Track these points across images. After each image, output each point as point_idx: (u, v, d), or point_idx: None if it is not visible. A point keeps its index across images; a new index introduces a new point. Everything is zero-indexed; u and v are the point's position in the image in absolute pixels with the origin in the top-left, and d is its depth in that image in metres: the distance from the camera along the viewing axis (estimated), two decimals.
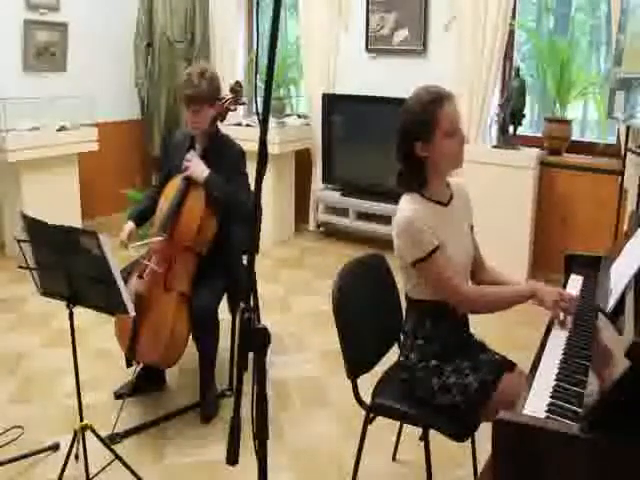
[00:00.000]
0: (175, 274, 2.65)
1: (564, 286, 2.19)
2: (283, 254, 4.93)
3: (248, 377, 1.37)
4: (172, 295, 2.62)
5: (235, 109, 2.87)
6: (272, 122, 4.72)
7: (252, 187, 1.42)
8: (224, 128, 3.02)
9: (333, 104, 5.05)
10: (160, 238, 2.64)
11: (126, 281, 2.51)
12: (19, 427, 2.59)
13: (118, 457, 2.28)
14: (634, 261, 1.70)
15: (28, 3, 4.70)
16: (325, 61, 5.07)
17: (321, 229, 5.40)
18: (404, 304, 2.22)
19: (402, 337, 2.07)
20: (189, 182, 2.68)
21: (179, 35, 5.33)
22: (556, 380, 1.51)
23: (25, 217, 2.09)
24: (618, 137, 4.04)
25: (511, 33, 4.36)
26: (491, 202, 4.04)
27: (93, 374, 3.02)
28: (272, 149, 4.72)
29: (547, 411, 1.37)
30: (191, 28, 5.37)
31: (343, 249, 4.94)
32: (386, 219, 4.81)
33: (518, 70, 4.19)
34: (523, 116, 4.20)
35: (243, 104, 2.95)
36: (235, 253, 2.88)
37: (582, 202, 4.17)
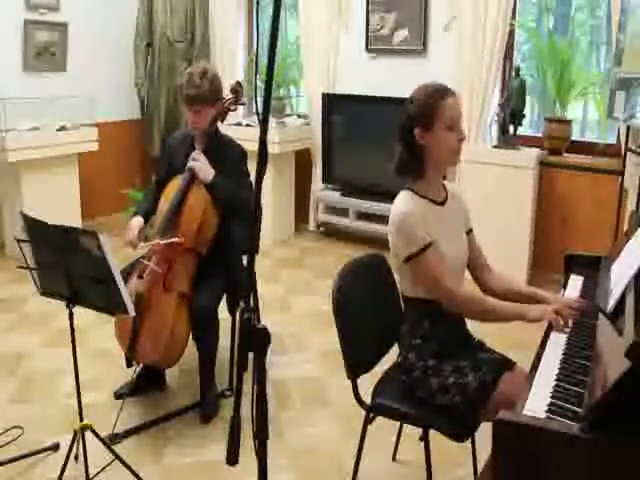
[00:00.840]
0: (175, 274, 2.65)
1: (564, 286, 2.19)
2: (283, 254, 4.93)
3: (248, 377, 1.37)
4: (172, 295, 2.62)
5: (235, 109, 2.87)
6: (272, 122, 4.72)
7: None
8: (224, 128, 3.02)
9: (333, 104, 5.05)
10: (175, 239, 2.61)
11: (126, 281, 2.51)
12: (19, 427, 2.59)
13: (118, 457, 2.28)
14: (634, 261, 1.70)
15: (28, 3, 4.70)
16: (325, 61, 5.07)
17: (321, 229, 5.40)
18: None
19: (400, 337, 2.07)
20: (192, 178, 2.67)
21: (179, 35, 5.33)
22: (556, 380, 1.51)
23: (25, 217, 2.09)
24: (618, 137, 4.04)
25: (511, 33, 4.36)
26: (491, 202, 4.04)
27: (93, 374, 3.02)
28: (272, 149, 4.72)
29: (547, 411, 1.37)
30: (191, 28, 5.37)
31: (343, 249, 4.94)
32: (386, 219, 4.71)
33: (518, 70, 4.19)
34: (523, 116, 4.20)
35: (243, 104, 2.95)
36: (235, 253, 2.88)
37: (582, 202, 4.17)
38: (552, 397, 1.42)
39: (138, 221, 2.76)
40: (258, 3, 1.44)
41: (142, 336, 2.59)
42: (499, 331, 3.27)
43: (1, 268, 4.38)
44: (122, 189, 5.15)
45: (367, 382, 2.05)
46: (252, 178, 1.52)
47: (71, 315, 2.11)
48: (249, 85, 5.05)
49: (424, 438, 1.96)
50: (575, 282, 2.19)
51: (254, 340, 1.35)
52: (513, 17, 4.29)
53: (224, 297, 2.85)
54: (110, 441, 2.43)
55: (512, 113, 4.14)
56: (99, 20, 5.19)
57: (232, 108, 2.82)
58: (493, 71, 4.30)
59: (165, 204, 2.71)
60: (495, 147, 4.24)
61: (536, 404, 1.39)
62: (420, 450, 2.01)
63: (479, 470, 2.24)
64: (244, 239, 2.80)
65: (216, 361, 2.77)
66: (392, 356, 2.17)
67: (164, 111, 5.39)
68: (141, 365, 2.76)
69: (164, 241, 2.62)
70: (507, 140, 4.20)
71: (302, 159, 5.31)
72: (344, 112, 5.01)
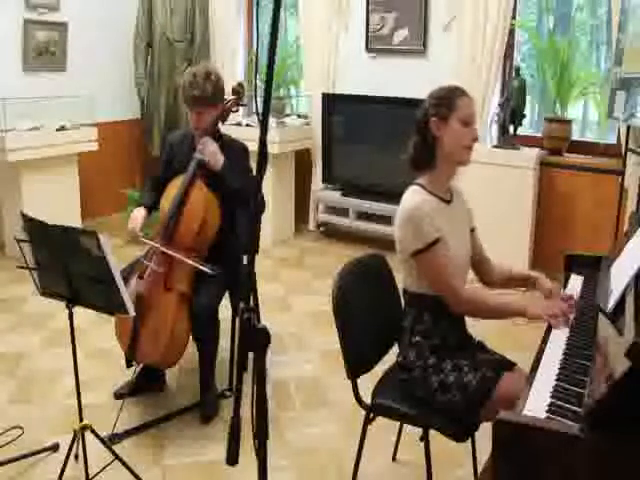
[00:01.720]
0: (175, 274, 2.65)
1: (564, 286, 2.19)
2: (283, 254, 4.93)
3: (248, 377, 1.37)
4: (172, 295, 2.62)
5: (237, 110, 2.87)
6: (272, 122, 4.72)
7: None
8: (224, 128, 3.02)
9: (333, 104, 5.04)
10: (176, 255, 2.60)
11: (126, 281, 2.51)
12: (19, 427, 2.59)
13: (118, 457, 2.27)
14: (634, 261, 1.70)
15: (28, 3, 4.70)
16: (325, 61, 5.07)
17: (321, 229, 5.40)
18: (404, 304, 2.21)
19: (401, 334, 2.07)
20: (200, 167, 2.67)
21: (179, 35, 5.32)
22: (556, 380, 1.51)
23: (25, 217, 2.09)
24: (618, 137, 4.04)
25: (511, 33, 4.36)
26: (491, 202, 4.03)
27: (93, 374, 3.02)
28: (272, 149, 4.72)
29: (547, 411, 1.37)
30: (191, 28, 5.37)
31: (343, 249, 4.94)
32: (386, 219, 4.81)
33: (518, 70, 4.19)
34: (523, 116, 4.20)
35: (244, 105, 2.95)
36: (236, 252, 2.88)
37: (582, 202, 4.17)
38: (552, 397, 1.42)
39: (141, 211, 2.77)
40: (258, 3, 1.44)
41: (142, 336, 2.58)
42: (499, 331, 3.28)
43: (1, 268, 4.38)
44: (122, 189, 5.15)
45: (367, 382, 2.05)
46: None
47: (71, 315, 2.11)
48: (249, 85, 5.05)
49: (424, 438, 1.96)
50: (575, 282, 2.19)
51: (254, 340, 1.35)
52: (513, 17, 4.29)
53: (226, 297, 2.85)
54: (110, 441, 2.43)
55: (512, 113, 4.14)
56: (99, 20, 5.19)
57: (234, 109, 2.83)
58: (493, 71, 4.30)
59: (166, 204, 2.71)
60: (495, 147, 4.24)
61: (536, 404, 1.39)
62: (420, 450, 2.00)
63: (479, 470, 2.24)
64: (246, 239, 2.80)
65: (216, 361, 2.77)
66: (392, 356, 2.17)
67: (164, 111, 5.39)
68: (141, 365, 2.76)
69: (165, 250, 2.61)
70: (507, 140, 4.20)
71: (302, 159, 5.31)
72: (344, 112, 5.01)
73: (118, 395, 2.82)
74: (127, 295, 2.02)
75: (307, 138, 5.21)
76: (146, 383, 2.89)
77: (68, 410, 2.64)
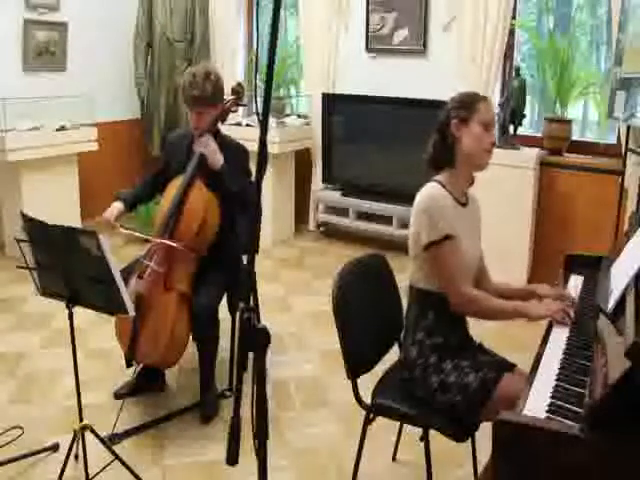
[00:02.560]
0: (175, 274, 2.65)
1: (564, 286, 2.19)
2: (283, 254, 4.93)
3: (248, 377, 1.37)
4: (172, 295, 2.62)
5: (236, 110, 2.87)
6: (272, 122, 4.72)
7: None
8: (224, 128, 3.02)
9: (333, 104, 5.04)
10: (176, 245, 2.61)
11: (126, 281, 2.51)
12: (19, 427, 2.59)
13: (118, 457, 2.27)
14: (634, 261, 1.70)
15: (28, 3, 4.69)
16: (325, 61, 5.07)
17: (321, 229, 5.40)
18: (405, 304, 2.22)
19: (403, 332, 2.07)
20: (201, 165, 2.68)
21: (179, 35, 5.32)
22: (556, 380, 1.51)
23: (25, 217, 2.09)
24: (618, 137, 4.04)
25: (511, 33, 4.36)
26: (491, 202, 4.01)
27: (93, 374, 3.02)
28: (272, 149, 4.72)
29: (547, 411, 1.37)
30: (191, 28, 5.37)
31: (343, 249, 4.94)
32: (386, 219, 4.81)
33: (518, 70, 4.19)
34: (523, 116, 4.20)
35: (244, 105, 2.95)
36: (236, 252, 2.88)
37: (582, 202, 4.16)
38: (552, 397, 1.43)
39: (118, 204, 2.81)
40: (258, 3, 1.44)
41: (142, 336, 2.58)
42: (499, 332, 3.28)
43: (1, 268, 4.38)
44: (122, 189, 5.14)
45: (367, 382, 2.05)
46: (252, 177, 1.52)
47: (71, 315, 2.11)
48: (249, 85, 5.05)
49: (424, 438, 1.96)
50: (575, 282, 2.19)
51: (254, 340, 1.35)
52: (513, 17, 4.29)
53: (225, 297, 2.85)
54: (110, 441, 2.43)
55: (512, 113, 4.14)
56: (99, 20, 5.19)
57: (233, 109, 2.83)
58: (493, 71, 4.30)
59: (166, 204, 2.71)
60: (495, 147, 4.23)
61: (536, 404, 1.39)
62: (420, 450, 2.01)
63: (479, 470, 2.24)
64: (246, 239, 2.80)
65: (216, 361, 2.76)
66: (392, 356, 2.17)
67: (164, 111, 5.39)
68: (141, 365, 2.76)
69: (166, 241, 2.61)
70: (507, 140, 4.19)
71: (302, 159, 5.31)
72: (344, 112, 5.01)
73: (118, 395, 2.82)
74: (127, 295, 2.02)
75: (307, 138, 5.21)
76: (146, 383, 2.89)
77: (68, 410, 2.65)
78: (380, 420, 2.08)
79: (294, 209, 5.36)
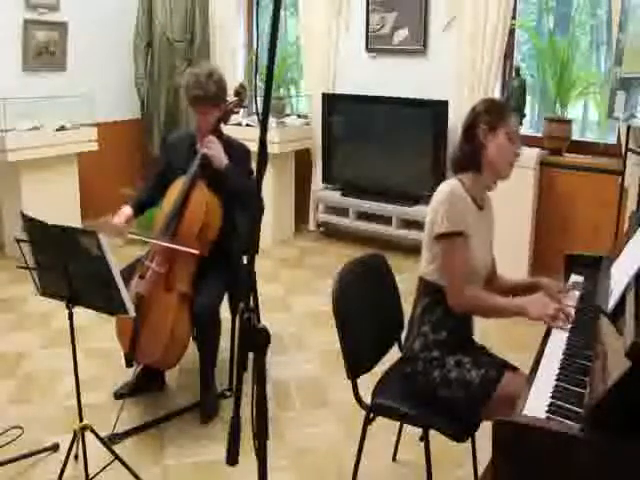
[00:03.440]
0: (176, 274, 2.65)
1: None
2: (283, 254, 4.93)
3: (248, 377, 1.37)
4: (173, 296, 2.62)
5: (238, 111, 2.87)
6: (272, 122, 4.72)
7: None
8: (224, 128, 3.02)
9: (333, 104, 5.04)
10: (183, 248, 2.60)
11: (127, 281, 2.51)
12: (19, 427, 2.59)
13: (118, 457, 2.28)
14: (634, 261, 1.70)
15: (28, 3, 4.69)
16: (325, 61, 5.07)
17: (321, 229, 5.40)
18: (405, 304, 2.22)
19: (407, 327, 2.07)
20: (203, 166, 2.67)
21: (179, 35, 5.32)
22: (556, 380, 1.51)
23: (25, 217, 2.09)
24: (618, 137, 4.04)
25: (511, 33, 4.36)
26: (491, 202, 4.03)
27: (93, 374, 3.02)
28: (272, 149, 4.72)
29: (547, 411, 1.37)
30: (191, 28, 5.37)
31: (343, 249, 4.94)
32: (386, 219, 4.81)
33: (518, 70, 4.19)
34: (523, 116, 4.20)
35: (246, 107, 2.95)
36: (237, 252, 2.88)
37: (582, 202, 4.17)
38: (552, 397, 1.43)
39: (127, 209, 2.79)
40: (258, 3, 1.44)
41: (143, 337, 2.58)
42: (500, 332, 3.29)
43: (1, 268, 4.38)
44: (122, 189, 5.14)
45: (367, 382, 2.05)
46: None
47: (71, 315, 2.11)
48: (249, 85, 5.05)
49: (424, 438, 1.96)
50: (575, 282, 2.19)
51: (254, 340, 1.35)
52: (513, 17, 4.29)
53: (226, 297, 2.85)
54: (110, 441, 2.43)
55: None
56: (99, 20, 5.18)
57: (235, 110, 2.83)
58: (493, 71, 4.30)
59: (167, 205, 2.71)
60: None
61: (536, 404, 1.39)
62: (420, 450, 2.01)
63: (479, 470, 2.24)
64: (246, 238, 2.80)
65: (216, 361, 2.76)
66: (392, 356, 2.17)
67: (164, 111, 5.39)
68: (141, 365, 2.76)
69: (171, 245, 2.60)
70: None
71: (302, 159, 5.31)
72: (344, 112, 5.01)
73: (118, 395, 2.82)
74: (127, 295, 2.02)
75: (307, 138, 5.21)
76: (146, 383, 2.89)
77: (68, 410, 2.65)
78: (380, 420, 2.08)
79: (294, 209, 5.36)
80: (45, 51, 4.87)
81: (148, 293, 2.60)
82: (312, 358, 3.30)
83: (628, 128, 3.67)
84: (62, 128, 4.61)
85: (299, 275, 4.50)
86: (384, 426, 2.23)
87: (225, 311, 2.86)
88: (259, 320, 2.88)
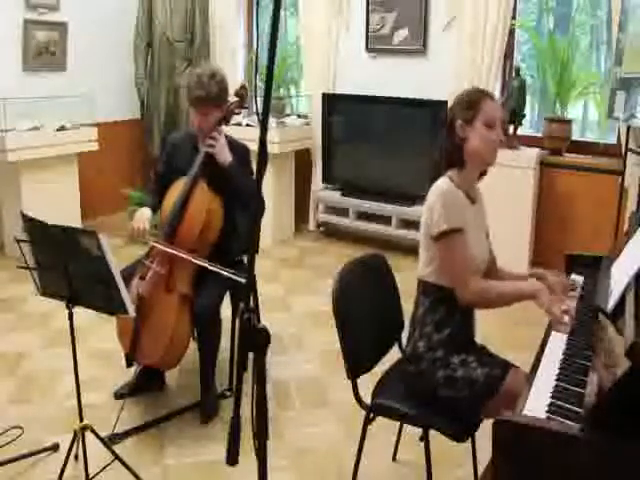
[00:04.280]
0: (177, 275, 2.65)
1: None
2: (283, 254, 4.93)
3: (248, 377, 1.37)
4: (174, 296, 2.61)
5: (239, 112, 2.87)
6: (272, 122, 4.72)
7: None
8: (224, 127, 3.02)
9: (333, 104, 5.04)
10: (182, 254, 2.59)
11: (128, 282, 2.51)
12: (19, 427, 2.59)
13: (118, 457, 2.28)
14: (634, 261, 1.70)
15: (28, 3, 4.70)
16: (325, 61, 5.07)
17: (321, 229, 5.40)
18: (405, 304, 2.22)
19: (409, 327, 2.07)
20: (206, 164, 2.67)
21: (179, 35, 5.32)
22: (556, 380, 1.51)
23: (25, 217, 2.09)
24: (618, 137, 4.04)
25: (511, 33, 4.36)
26: (491, 202, 4.01)
27: (93, 374, 3.02)
28: (272, 149, 4.72)
29: (547, 411, 1.37)
30: (191, 28, 5.37)
31: (343, 249, 4.94)
32: (386, 219, 4.81)
33: (518, 70, 4.19)
34: (523, 116, 4.21)
35: (247, 108, 2.95)
36: (238, 252, 2.88)
37: (582, 202, 4.17)
38: (552, 397, 1.43)
39: (147, 212, 2.72)
40: (258, 3, 1.44)
41: (143, 337, 2.58)
42: (500, 332, 3.29)
43: (1, 268, 4.38)
44: (122, 189, 5.14)
45: (367, 382, 2.05)
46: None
47: (71, 315, 2.11)
48: (249, 85, 5.05)
49: (424, 438, 1.96)
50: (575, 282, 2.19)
51: (254, 340, 1.35)
52: (513, 17, 4.29)
53: (227, 298, 2.85)
54: (110, 441, 2.43)
55: (512, 113, 4.14)
56: (99, 20, 5.19)
57: (237, 111, 2.82)
58: (493, 71, 4.30)
59: (168, 206, 2.70)
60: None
61: (536, 404, 1.39)
62: (420, 450, 2.01)
63: (479, 470, 2.24)
64: (246, 238, 2.80)
65: (216, 361, 2.76)
66: (392, 356, 2.17)
67: (164, 111, 5.39)
68: (141, 365, 2.76)
69: (171, 250, 2.60)
70: (507, 140, 4.19)
71: (302, 159, 5.31)
72: (344, 112, 5.01)
73: (118, 395, 2.82)
74: (127, 295, 2.02)
75: (307, 138, 5.21)
76: (146, 383, 2.89)
77: (68, 410, 2.65)
78: (380, 420, 2.08)
79: (294, 209, 5.36)
80: (45, 51, 4.87)
81: (149, 294, 2.60)
82: (312, 358, 3.30)
83: (628, 128, 3.67)
84: (62, 128, 4.61)
85: (299, 275, 4.50)
86: (384, 426, 2.23)
87: (224, 311, 2.86)
88: (259, 320, 2.88)
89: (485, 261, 2.07)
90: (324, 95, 5.05)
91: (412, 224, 4.61)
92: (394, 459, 2.48)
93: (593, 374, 1.47)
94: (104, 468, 2.29)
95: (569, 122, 4.23)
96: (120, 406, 2.60)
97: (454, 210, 1.91)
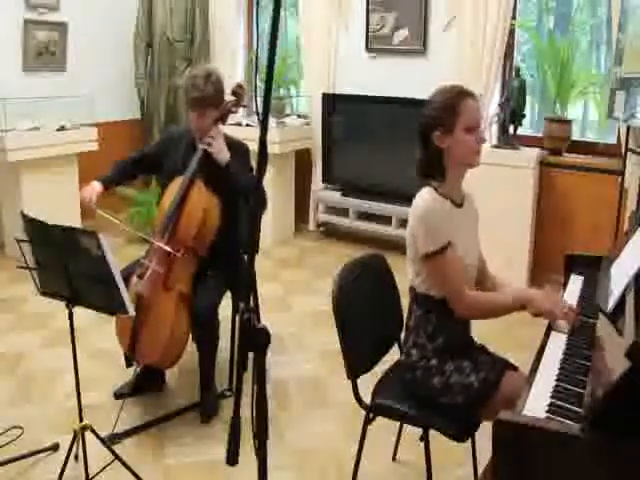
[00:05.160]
0: (175, 274, 2.65)
1: (564, 286, 2.19)
2: (283, 254, 4.93)
3: (248, 377, 1.37)
4: (172, 295, 2.62)
5: (236, 111, 2.87)
6: (272, 122, 4.72)
7: None
8: (224, 127, 3.02)
9: (333, 104, 5.04)
10: (172, 251, 2.59)
11: (127, 281, 2.51)
12: (19, 427, 2.59)
13: (118, 457, 2.28)
14: (634, 261, 1.70)
15: (28, 3, 4.70)
16: (325, 61, 5.07)
17: (321, 229, 5.40)
18: (404, 303, 2.21)
19: (404, 334, 2.06)
20: (203, 163, 2.68)
21: (179, 35, 5.32)
22: (556, 380, 1.51)
23: (25, 217, 2.09)
24: (618, 137, 4.04)
25: (511, 33, 4.35)
26: (491, 202, 4.03)
27: (93, 374, 3.02)
28: (272, 149, 4.72)
29: (547, 411, 1.37)
30: (191, 28, 5.37)
31: (343, 249, 4.94)
32: (386, 219, 4.81)
33: (518, 70, 4.19)
34: (523, 116, 4.20)
35: (244, 106, 2.95)
36: (237, 252, 2.88)
37: (582, 202, 4.16)
38: (552, 397, 1.42)
39: (97, 184, 2.78)
40: (258, 3, 1.44)
41: (142, 336, 2.58)
42: (499, 332, 3.28)
43: (1, 268, 4.38)
44: (122, 189, 5.13)
45: (367, 382, 2.05)
46: None
47: (71, 315, 2.11)
48: (249, 85, 5.05)
49: (424, 438, 1.96)
50: (575, 282, 2.19)
51: (254, 340, 1.35)
52: (513, 17, 4.29)
53: (228, 297, 2.85)
54: (110, 441, 2.43)
55: (512, 113, 4.14)
56: (99, 20, 5.19)
57: (234, 110, 2.83)
58: (493, 71, 4.30)
59: (166, 205, 2.71)
60: (495, 147, 4.24)
61: (536, 404, 1.39)
62: (420, 450, 2.00)
63: (479, 470, 2.24)
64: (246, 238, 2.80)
65: (216, 361, 2.76)
66: (392, 356, 2.17)
67: (164, 111, 5.39)
68: (141, 365, 2.76)
69: (162, 245, 2.60)
70: (507, 140, 4.20)
71: (302, 159, 5.31)
72: (344, 112, 5.01)
73: (118, 395, 2.83)
74: (127, 295, 2.02)
75: (307, 138, 5.21)
76: (146, 383, 2.89)
77: (68, 410, 2.65)
78: (380, 420, 2.08)
79: (294, 209, 5.36)
80: (45, 51, 4.87)
81: (147, 293, 2.60)
82: (312, 358, 3.30)
83: (628, 128, 3.67)
84: (62, 128, 4.61)
85: (299, 275, 4.50)
86: (384, 426, 2.23)
87: (225, 311, 2.86)
88: (259, 320, 2.88)
89: (475, 266, 2.04)
90: (324, 95, 5.05)
91: None
92: (394, 459, 2.48)
93: (593, 374, 1.47)
94: (104, 468, 2.29)
95: (569, 122, 4.23)
96: (120, 406, 2.59)
97: (439, 227, 1.86)
